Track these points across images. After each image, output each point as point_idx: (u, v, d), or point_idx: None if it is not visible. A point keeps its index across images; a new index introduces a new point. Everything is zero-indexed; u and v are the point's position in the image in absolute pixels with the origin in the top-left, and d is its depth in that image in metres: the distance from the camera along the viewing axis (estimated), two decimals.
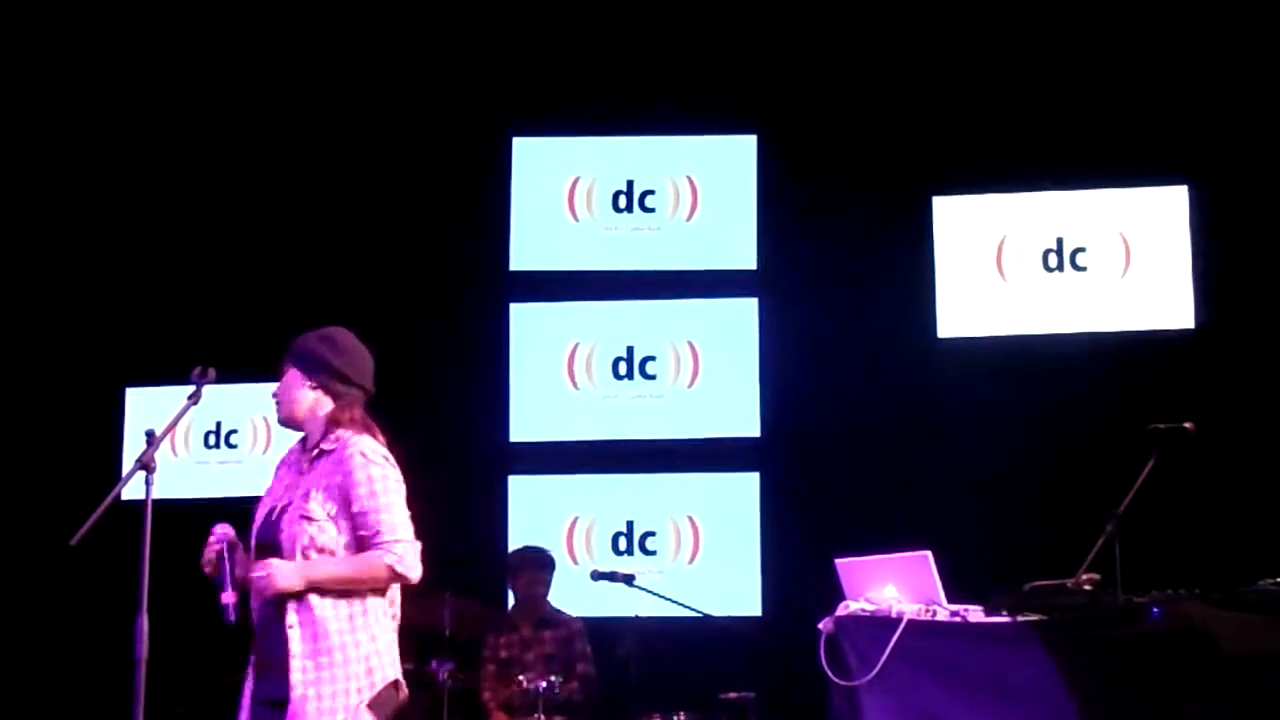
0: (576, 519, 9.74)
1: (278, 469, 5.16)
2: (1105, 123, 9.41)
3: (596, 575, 8.24)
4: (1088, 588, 5.66)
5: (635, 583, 8.06)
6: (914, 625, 5.95)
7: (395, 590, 4.93)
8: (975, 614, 5.90)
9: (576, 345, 9.91)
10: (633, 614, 8.10)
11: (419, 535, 4.93)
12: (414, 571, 4.85)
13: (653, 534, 9.70)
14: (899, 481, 9.20)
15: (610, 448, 9.83)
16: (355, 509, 4.82)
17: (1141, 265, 9.40)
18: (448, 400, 9.74)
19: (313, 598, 4.76)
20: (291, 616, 4.76)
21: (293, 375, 5.04)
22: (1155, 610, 5.46)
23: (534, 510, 9.74)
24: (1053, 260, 9.50)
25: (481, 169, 10.02)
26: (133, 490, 5.07)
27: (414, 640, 8.13)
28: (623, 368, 9.88)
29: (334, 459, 4.90)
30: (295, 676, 4.71)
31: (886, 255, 9.60)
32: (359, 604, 4.81)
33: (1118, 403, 8.75)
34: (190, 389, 5.09)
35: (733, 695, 7.92)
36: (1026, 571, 5.89)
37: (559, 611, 8.63)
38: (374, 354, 5.11)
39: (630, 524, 9.73)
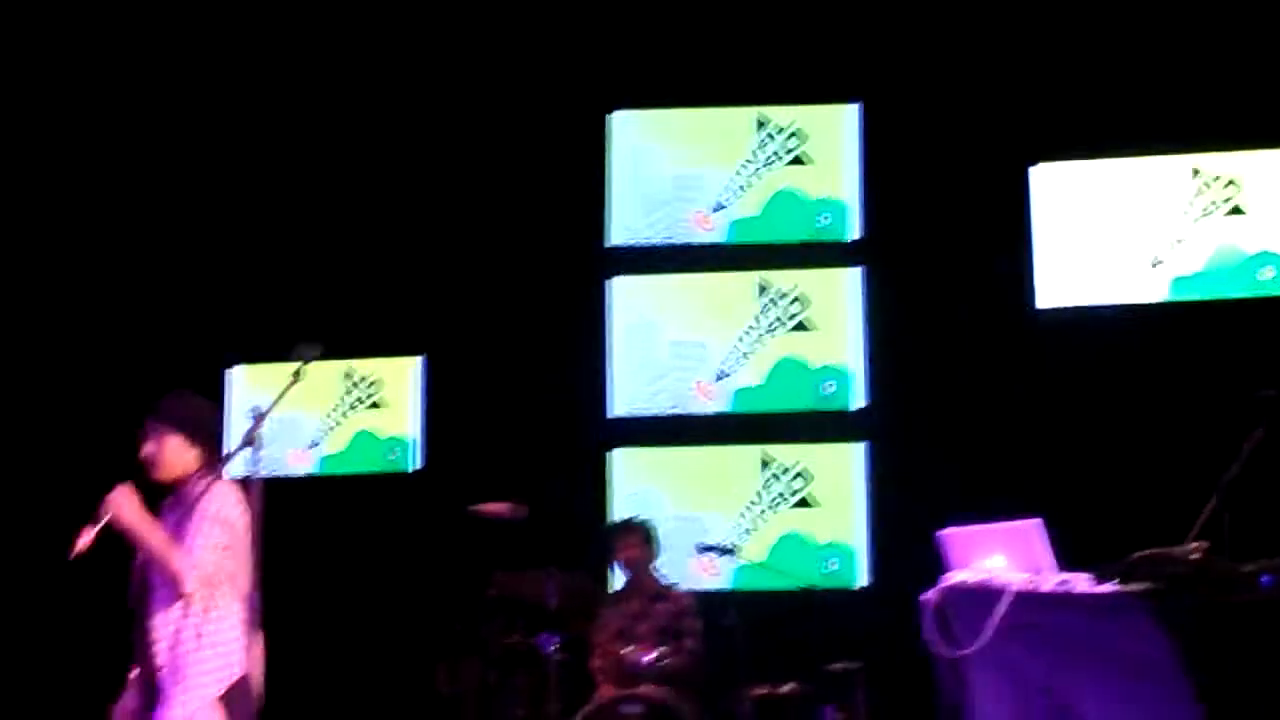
0: (679, 491, 9.74)
1: None
2: (1215, 84, 9.24)
3: (701, 548, 8.27)
4: (1196, 556, 5.59)
5: (738, 555, 8.08)
6: (1019, 596, 5.90)
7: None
8: (1081, 583, 5.84)
9: (678, 318, 9.90)
10: (737, 586, 8.10)
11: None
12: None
13: (756, 504, 9.67)
14: (1006, 452, 9.11)
15: (713, 420, 9.82)
16: None
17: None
18: (547, 377, 9.74)
19: None
20: None
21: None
22: (1265, 577, 5.39)
23: (635, 484, 9.75)
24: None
25: (578, 144, 10.03)
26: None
27: (521, 614, 8.20)
28: (725, 339, 9.84)
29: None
30: None
31: (991, 223, 9.50)
32: None
33: (1224, 369, 8.64)
34: (295, 365, 5.15)
35: (839, 666, 7.92)
36: (1133, 541, 5.83)
37: (670, 585, 8.63)
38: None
39: (734, 496, 9.71)
